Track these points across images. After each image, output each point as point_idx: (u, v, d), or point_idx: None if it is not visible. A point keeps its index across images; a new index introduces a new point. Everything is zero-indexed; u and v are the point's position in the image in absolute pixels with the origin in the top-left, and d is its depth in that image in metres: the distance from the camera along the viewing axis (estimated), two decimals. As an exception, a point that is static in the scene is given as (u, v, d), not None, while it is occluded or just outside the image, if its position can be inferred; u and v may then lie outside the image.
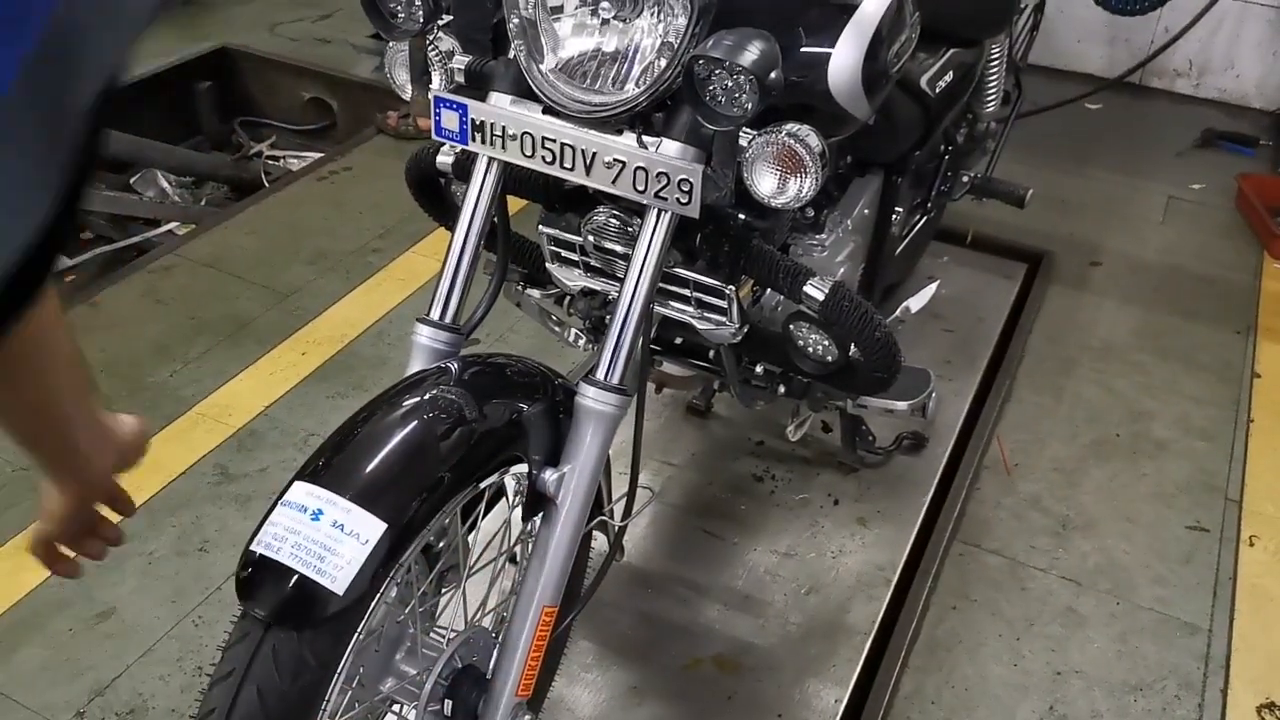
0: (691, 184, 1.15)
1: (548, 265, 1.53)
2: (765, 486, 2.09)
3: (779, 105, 1.20)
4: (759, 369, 1.65)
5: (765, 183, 1.17)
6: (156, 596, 1.81)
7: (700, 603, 1.86)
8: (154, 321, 2.42)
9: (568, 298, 1.68)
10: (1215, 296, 2.66)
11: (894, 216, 1.93)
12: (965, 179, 2.19)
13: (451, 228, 1.32)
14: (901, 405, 1.72)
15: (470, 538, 1.31)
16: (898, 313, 2.00)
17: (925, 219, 2.20)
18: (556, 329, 1.78)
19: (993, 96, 2.21)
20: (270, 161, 3.47)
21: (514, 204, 1.42)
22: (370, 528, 1.03)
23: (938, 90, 1.81)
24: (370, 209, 2.80)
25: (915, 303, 2.03)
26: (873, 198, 1.86)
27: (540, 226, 1.48)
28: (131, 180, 3.22)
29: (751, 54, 1.05)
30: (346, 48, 3.62)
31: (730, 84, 1.06)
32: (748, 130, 1.16)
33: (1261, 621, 1.85)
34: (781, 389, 1.68)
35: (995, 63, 2.17)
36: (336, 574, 1.01)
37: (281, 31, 3.81)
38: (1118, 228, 2.89)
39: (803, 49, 1.25)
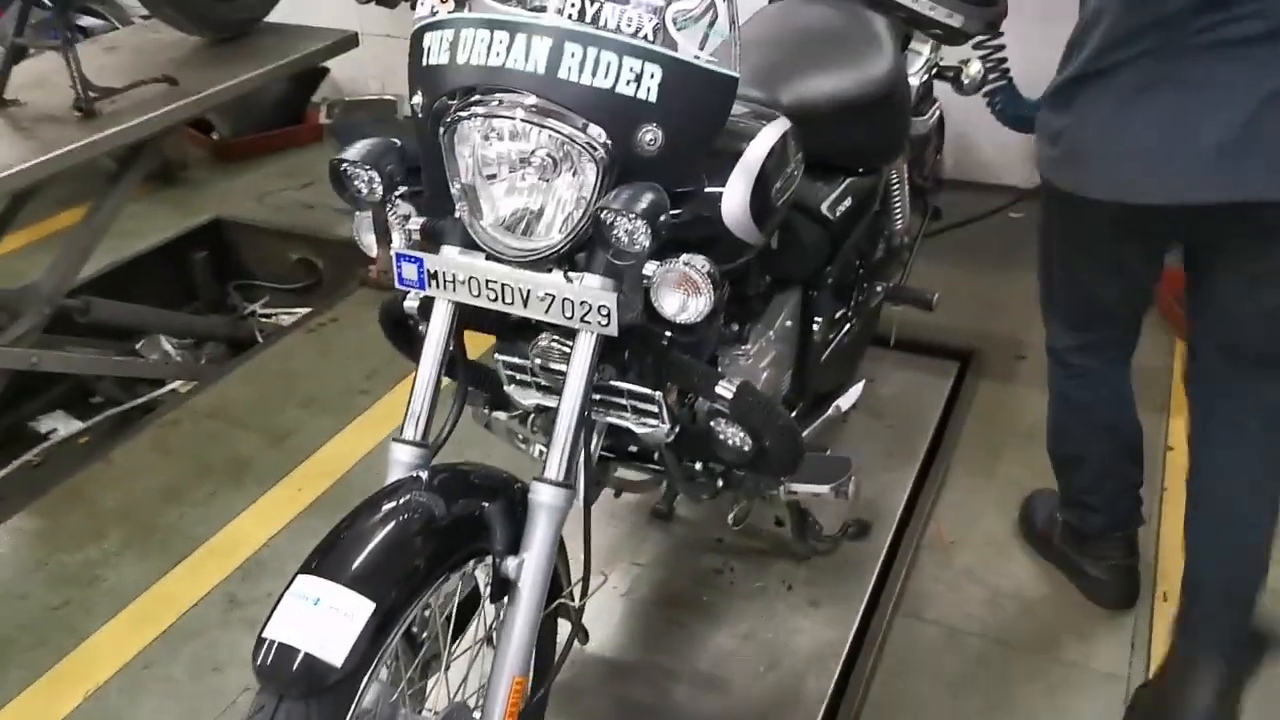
0: (609, 309, 1.40)
1: (505, 388, 1.78)
2: (725, 578, 2.30)
3: (690, 238, 1.46)
4: (697, 466, 1.88)
5: (670, 303, 1.43)
6: (176, 714, 2.00)
7: (669, 685, 2.06)
8: (163, 470, 2.65)
9: (530, 417, 1.92)
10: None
11: (815, 327, 2.19)
12: (879, 289, 2.46)
13: (417, 359, 1.57)
14: (825, 489, 1.95)
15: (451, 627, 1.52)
16: (829, 412, 2.26)
17: (850, 328, 2.45)
18: (522, 445, 2.01)
19: (899, 215, 2.50)
20: (263, 319, 3.75)
21: (481, 339, 1.67)
22: (360, 607, 1.25)
23: (838, 214, 2.08)
24: (356, 355, 3.06)
25: (845, 401, 2.29)
26: (793, 311, 2.12)
27: (496, 355, 1.73)
28: (137, 346, 3.49)
29: (643, 203, 1.31)
30: (329, 211, 3.94)
31: (629, 227, 1.32)
32: (653, 261, 1.42)
33: (1176, 665, 2.04)
34: (719, 483, 1.91)
35: (897, 186, 2.46)
36: (334, 648, 1.22)
37: (269, 201, 4.14)
38: (1031, 321, 3.14)
39: (705, 190, 1.52)
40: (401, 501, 1.38)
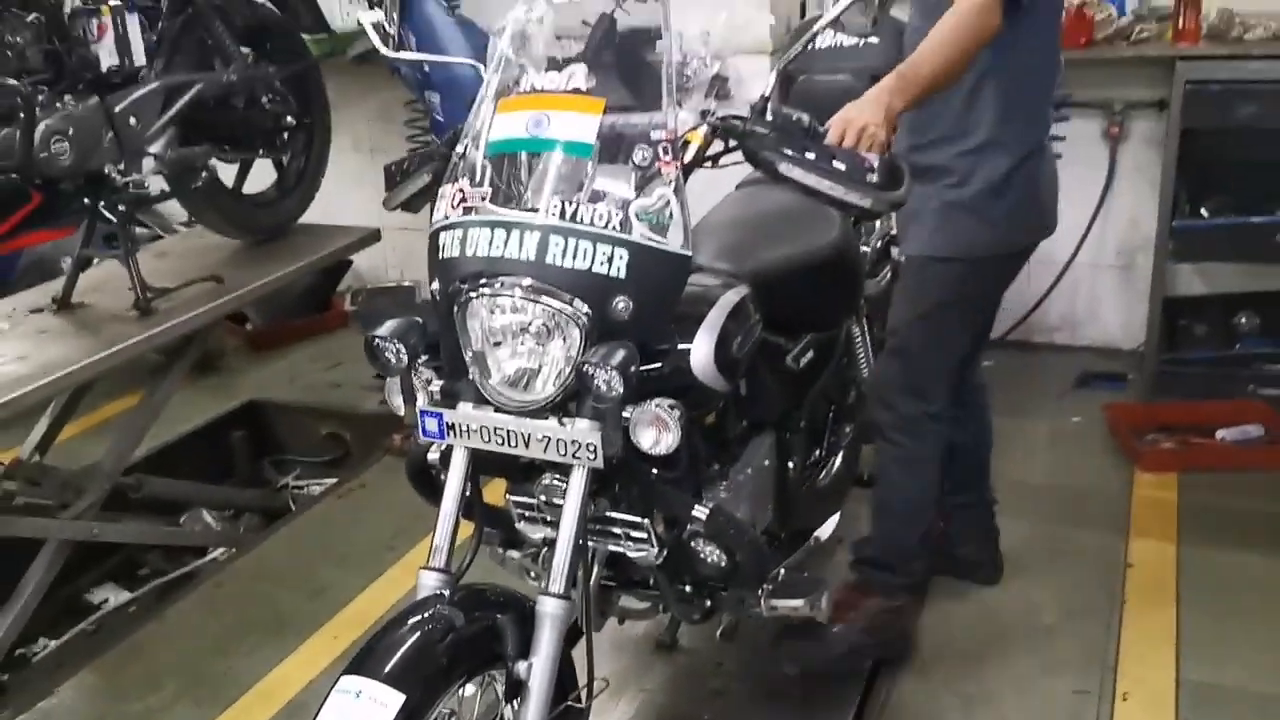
0: (595, 445, 1.69)
1: (516, 525, 2.06)
2: (727, 699, 2.52)
3: (669, 387, 1.77)
4: (687, 588, 2.14)
5: (645, 438, 1.72)
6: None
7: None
8: (212, 626, 2.91)
9: (540, 553, 2.19)
10: (1095, 505, 3.17)
11: (790, 465, 2.48)
12: (849, 431, 2.75)
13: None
14: (800, 603, 2.20)
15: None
16: (809, 542, 2.52)
17: (826, 468, 2.74)
18: (533, 581, 2.27)
19: (863, 362, 2.81)
20: (296, 490, 4.05)
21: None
22: (393, 698, 1.51)
23: (802, 364, 2.39)
24: (384, 516, 3.34)
25: (822, 532, 2.56)
26: (769, 451, 2.40)
27: (507, 495, 2.03)
28: (181, 520, 3.78)
29: (617, 358, 1.63)
30: (355, 389, 4.29)
31: (607, 378, 1.63)
32: (630, 405, 1.72)
33: (1134, 756, 2.25)
34: (708, 602, 2.17)
35: (859, 339, 2.79)
36: (373, 733, 1.48)
37: (299, 382, 4.50)
38: (1010, 460, 3.42)
39: (678, 347, 1.84)
40: (427, 614, 1.66)
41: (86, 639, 3.33)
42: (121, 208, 3.04)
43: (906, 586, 2.57)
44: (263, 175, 3.62)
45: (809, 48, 2.03)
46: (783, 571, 2.27)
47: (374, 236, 3.76)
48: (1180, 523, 3.04)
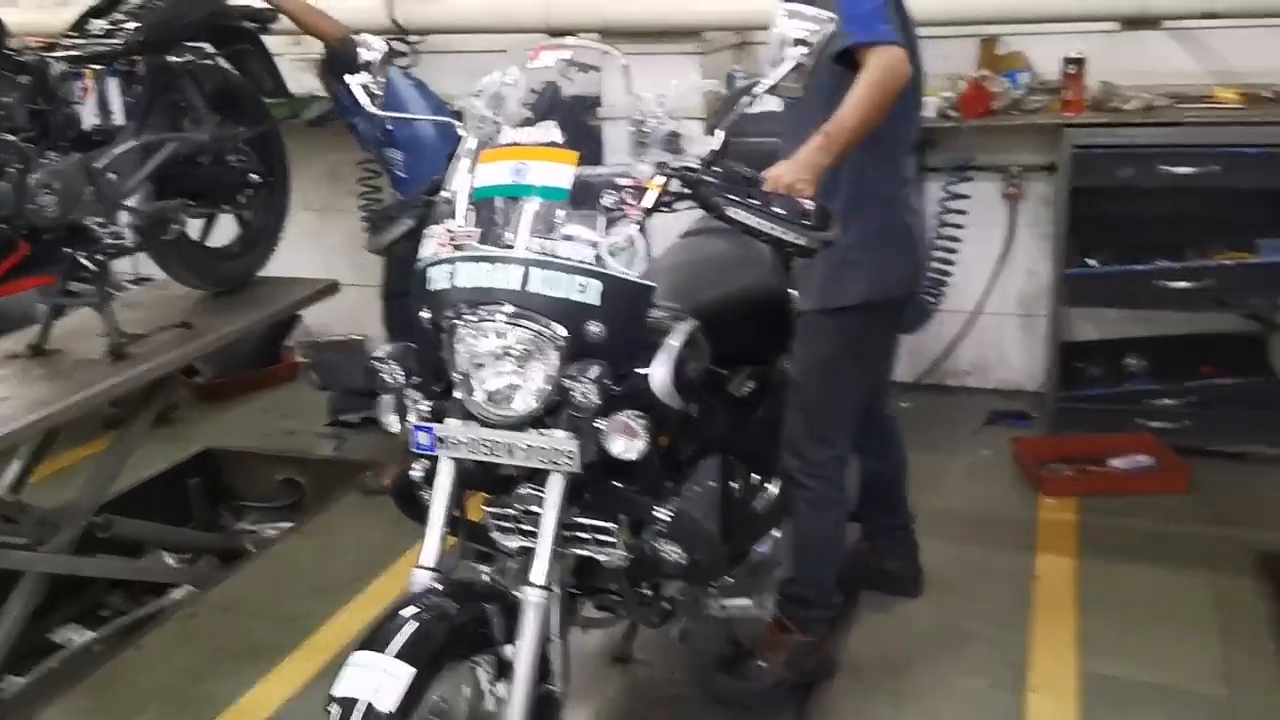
0: (574, 452, 1.93)
1: (491, 535, 2.28)
2: (680, 705, 2.74)
3: (631, 405, 2.01)
4: (648, 591, 2.37)
5: (616, 445, 1.96)
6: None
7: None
8: (188, 654, 3.06)
9: (507, 566, 2.39)
10: (1005, 527, 3.48)
11: (734, 486, 2.73)
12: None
13: (424, 522, 2.07)
14: (748, 601, 2.45)
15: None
16: (751, 556, 2.77)
17: (768, 492, 2.99)
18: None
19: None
20: (252, 534, 4.19)
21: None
22: (402, 670, 1.72)
23: (743, 393, 2.66)
24: (347, 551, 3.51)
25: (763, 547, 2.82)
26: (715, 473, 2.64)
27: (484, 508, 2.24)
28: (138, 562, 3.90)
29: (592, 374, 1.88)
30: (309, 435, 4.46)
31: (584, 390, 1.88)
32: (602, 417, 1.96)
33: (1044, 739, 2.53)
34: (666, 605, 2.40)
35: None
36: (385, 699, 1.69)
37: (253, 430, 4.66)
38: (928, 491, 3.71)
39: (640, 371, 2.09)
40: (425, 604, 1.87)
41: (53, 676, 3.43)
42: (99, 257, 3.22)
43: (826, 619, 2.80)
44: (227, 229, 3.81)
45: (744, 113, 2.32)
46: (730, 578, 2.54)
47: (332, 288, 3.97)
48: (1080, 540, 3.36)
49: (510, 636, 1.92)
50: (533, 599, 1.93)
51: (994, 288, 4.42)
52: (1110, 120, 3.78)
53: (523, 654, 1.90)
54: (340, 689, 1.71)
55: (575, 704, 2.69)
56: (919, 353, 4.57)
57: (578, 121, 4.22)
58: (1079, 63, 3.81)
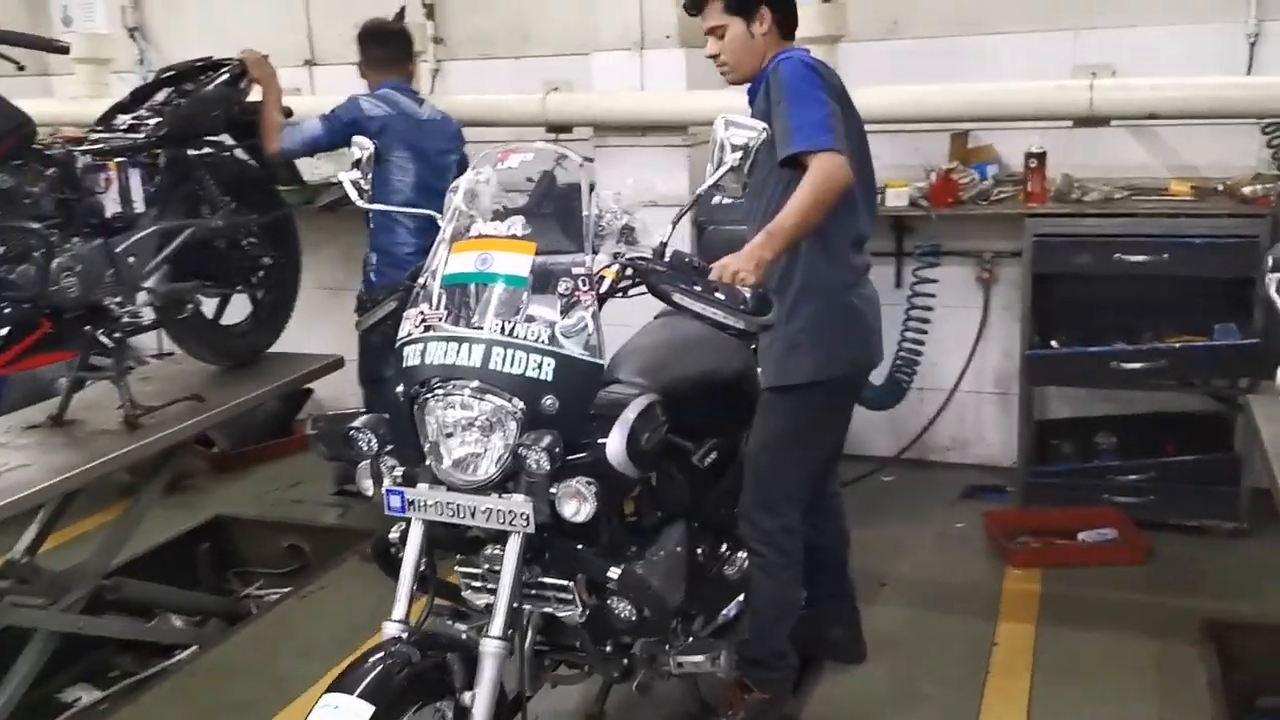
0: (528, 514, 2.13)
1: (463, 594, 2.47)
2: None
3: (591, 473, 2.20)
4: (608, 648, 2.55)
5: (568, 508, 2.15)
6: None
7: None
8: (182, 711, 3.25)
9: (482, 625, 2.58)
10: (970, 596, 3.62)
11: (699, 552, 2.91)
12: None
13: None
14: (702, 658, 2.61)
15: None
16: (717, 619, 2.95)
17: (734, 559, 3.15)
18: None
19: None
20: (257, 599, 4.38)
21: (437, 551, 2.37)
22: (364, 708, 1.91)
23: (706, 463, 2.85)
24: (341, 615, 3.69)
25: (728, 610, 2.99)
26: (680, 539, 2.81)
27: (456, 569, 2.44)
28: (147, 625, 4.09)
29: (545, 443, 2.08)
30: (314, 505, 4.67)
31: (536, 458, 2.08)
32: (556, 482, 2.16)
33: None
34: (625, 661, 2.57)
35: (757, 447, 3.25)
36: (347, 737, 1.88)
37: (262, 500, 4.88)
38: (900, 560, 3.89)
39: (598, 441, 2.29)
40: (390, 650, 2.07)
41: (60, 733, 3.62)
42: (117, 334, 3.46)
43: (781, 680, 2.95)
44: (240, 308, 4.07)
45: (696, 205, 2.55)
46: (690, 639, 2.72)
47: (337, 364, 4.21)
48: (1041, 609, 3.50)
49: (470, 684, 2.11)
50: (489, 649, 2.12)
51: (971, 367, 4.61)
52: (1069, 211, 4.00)
53: (480, 700, 2.08)
54: (309, 726, 1.91)
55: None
56: (901, 428, 4.76)
57: (570, 208, 4.46)
58: (1040, 157, 4.05)
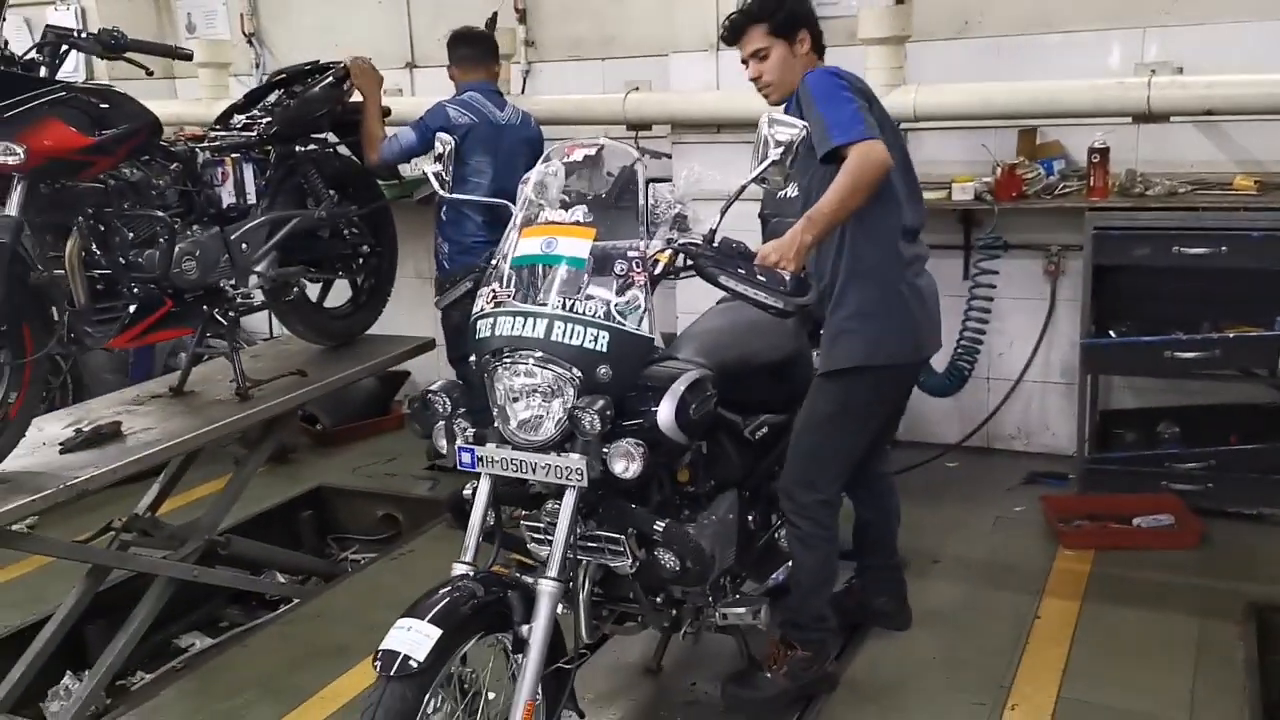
0: (583, 470, 2.38)
1: (529, 546, 2.73)
2: (697, 707, 3.13)
3: (644, 440, 2.44)
4: (659, 599, 2.78)
5: (618, 466, 2.39)
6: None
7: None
8: (284, 651, 3.58)
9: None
10: (1020, 574, 3.76)
11: (749, 520, 3.13)
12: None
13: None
14: (744, 610, 2.83)
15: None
16: (765, 583, 3.17)
17: (783, 530, 3.37)
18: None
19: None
20: (353, 562, 4.73)
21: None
22: (433, 631, 2.18)
23: (758, 437, 3.07)
24: (429, 575, 3.95)
25: (776, 575, 3.21)
26: (731, 507, 3.04)
27: (521, 522, 2.71)
28: (260, 577, 4.47)
29: (598, 406, 2.33)
30: (407, 478, 5.01)
31: (590, 419, 2.33)
32: (608, 442, 2.41)
33: (1014, 750, 2.84)
34: (674, 612, 2.81)
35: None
36: (417, 652, 2.16)
37: (360, 473, 5.24)
38: (956, 539, 4.04)
39: (652, 409, 2.53)
40: (457, 585, 2.34)
41: (175, 675, 3.98)
42: (231, 314, 3.82)
43: (821, 640, 3.13)
44: (341, 292, 4.41)
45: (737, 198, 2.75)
46: (737, 595, 2.95)
47: (428, 345, 4.53)
48: (1088, 587, 3.63)
49: (528, 619, 2.37)
50: (545, 588, 2.38)
51: (1038, 358, 4.73)
52: (1129, 205, 4.10)
53: (536, 632, 2.35)
54: (384, 644, 2.20)
55: (610, 703, 3.14)
56: (967, 417, 4.90)
57: (630, 199, 4.74)
58: (1103, 152, 4.15)
